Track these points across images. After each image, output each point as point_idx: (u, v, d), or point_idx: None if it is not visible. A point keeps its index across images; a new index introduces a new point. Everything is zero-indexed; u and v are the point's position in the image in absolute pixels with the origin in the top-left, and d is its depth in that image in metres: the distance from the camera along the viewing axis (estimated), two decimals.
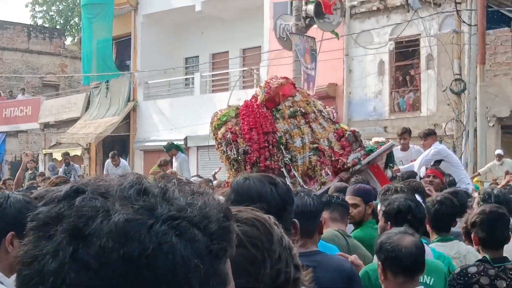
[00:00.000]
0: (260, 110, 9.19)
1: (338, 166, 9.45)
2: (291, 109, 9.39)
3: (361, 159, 9.50)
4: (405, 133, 13.73)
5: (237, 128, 9.12)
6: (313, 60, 17.74)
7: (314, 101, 10.19)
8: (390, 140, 11.95)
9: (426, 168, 11.92)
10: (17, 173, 13.85)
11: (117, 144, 29.69)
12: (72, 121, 30.95)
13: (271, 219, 1.97)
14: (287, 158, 9.10)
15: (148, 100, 29.53)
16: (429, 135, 13.14)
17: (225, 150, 9.24)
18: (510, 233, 5.54)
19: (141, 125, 29.20)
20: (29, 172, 21.64)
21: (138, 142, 29.12)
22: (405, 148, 13.50)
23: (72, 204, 0.99)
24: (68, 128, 30.63)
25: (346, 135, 9.85)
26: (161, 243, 0.95)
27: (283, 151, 9.08)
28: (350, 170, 9.54)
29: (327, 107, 11.16)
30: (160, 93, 29.64)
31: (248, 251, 1.82)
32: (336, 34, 18.72)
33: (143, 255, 0.95)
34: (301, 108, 9.40)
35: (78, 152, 29.79)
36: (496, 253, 5.31)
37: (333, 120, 10.44)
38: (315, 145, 9.20)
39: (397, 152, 12.92)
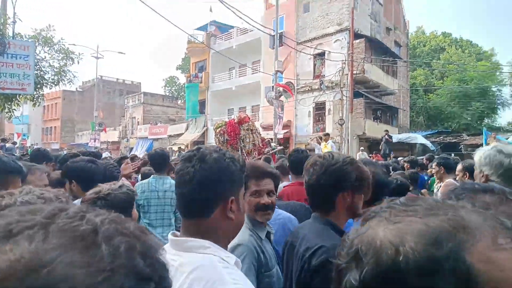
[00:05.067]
0: (235, 125, 8.89)
1: (260, 152, 9.00)
2: (246, 127, 8.91)
3: (270, 151, 9.12)
4: (320, 138, 12.81)
5: (224, 129, 8.73)
6: (282, 110, 17.34)
7: (255, 126, 9.49)
8: (279, 146, 11.71)
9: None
10: None
11: (198, 145, 28.53)
12: (180, 134, 30.18)
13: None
14: (242, 145, 8.84)
15: (212, 126, 27.32)
16: (327, 135, 13.10)
17: (218, 138, 8.92)
18: None
19: (209, 137, 27.13)
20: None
21: (208, 144, 27.21)
22: (319, 143, 12.69)
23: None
24: (178, 137, 29.69)
25: (265, 141, 9.59)
26: None
27: (241, 142, 8.85)
28: (264, 154, 8.81)
29: (259, 132, 10.33)
30: None
31: None
32: (286, 98, 18.24)
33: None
34: (250, 127, 8.88)
35: (183, 147, 26.79)
36: None
37: (260, 135, 9.67)
38: (253, 142, 8.98)
39: (316, 145, 12.64)
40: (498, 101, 33.40)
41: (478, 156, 2.16)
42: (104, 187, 1.79)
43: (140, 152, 33.12)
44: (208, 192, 1.04)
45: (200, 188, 1.03)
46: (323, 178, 1.50)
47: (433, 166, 4.40)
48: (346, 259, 0.52)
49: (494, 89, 32.69)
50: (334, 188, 1.49)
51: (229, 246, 1.20)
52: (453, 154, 10.43)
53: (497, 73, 32.22)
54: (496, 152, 2.10)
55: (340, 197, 1.49)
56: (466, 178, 3.13)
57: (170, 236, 1.08)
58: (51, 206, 0.43)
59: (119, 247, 0.40)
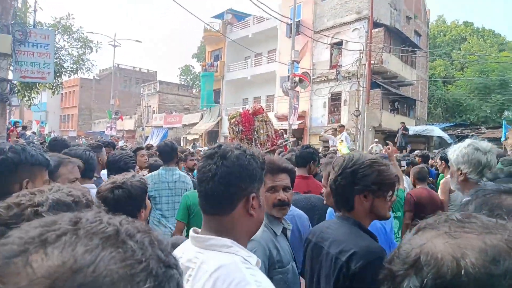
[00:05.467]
0: (249, 116, 8.91)
1: (273, 143, 9.07)
2: (260, 118, 8.88)
3: (283, 143, 9.18)
4: (335, 129, 13.67)
5: (239, 120, 8.74)
6: (297, 101, 17.56)
7: (269, 117, 9.52)
8: (292, 138, 11.95)
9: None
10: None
11: (212, 134, 28.23)
12: (195, 123, 29.98)
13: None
14: (256, 136, 8.84)
15: (226, 116, 25.92)
16: (342, 126, 13.20)
17: (232, 128, 8.97)
18: None
19: (224, 127, 26.07)
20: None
21: (222, 134, 26.65)
22: (334, 135, 13.03)
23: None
24: (193, 127, 29.64)
25: (279, 132, 9.63)
26: None
27: (255, 133, 8.85)
28: (277, 145, 8.92)
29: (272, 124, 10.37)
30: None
31: None
32: (303, 87, 18.53)
33: None
34: (264, 118, 8.92)
35: (197, 137, 28.46)
36: None
37: (273, 126, 9.66)
38: (267, 133, 8.98)
39: (331, 136, 13.12)
40: None
41: (455, 154, 2.10)
42: (118, 178, 1.79)
43: (155, 141, 33.52)
44: (230, 188, 1.05)
45: (222, 184, 1.04)
46: (338, 180, 1.51)
47: (437, 161, 4.27)
48: (404, 267, 0.55)
49: None
50: (349, 190, 1.49)
51: None
52: None
53: None
54: (473, 150, 2.05)
55: (357, 199, 1.49)
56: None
57: (191, 233, 1.09)
58: (66, 215, 0.47)
59: (143, 241, 0.46)
